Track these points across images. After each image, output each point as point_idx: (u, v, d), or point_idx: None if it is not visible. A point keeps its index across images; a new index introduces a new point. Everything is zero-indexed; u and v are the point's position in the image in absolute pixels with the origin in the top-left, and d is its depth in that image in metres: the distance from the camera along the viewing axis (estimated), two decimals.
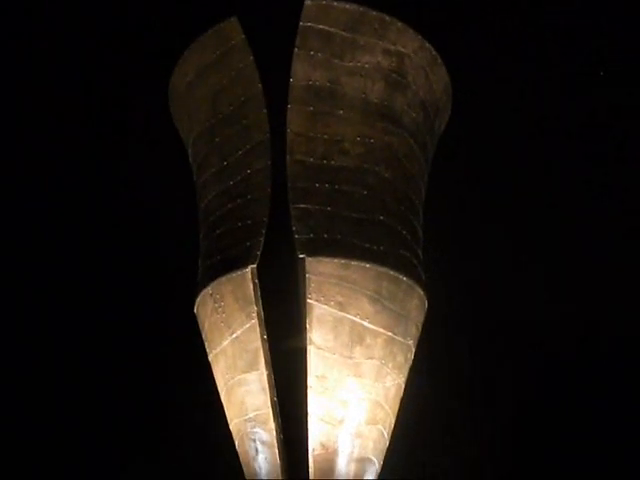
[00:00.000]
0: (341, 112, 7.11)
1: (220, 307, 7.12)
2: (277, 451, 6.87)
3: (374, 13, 7.17)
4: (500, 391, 10.52)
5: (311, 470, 6.73)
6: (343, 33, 7.10)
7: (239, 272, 6.87)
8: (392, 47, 7.27)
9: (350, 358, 6.78)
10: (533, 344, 10.56)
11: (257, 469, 7.01)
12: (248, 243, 6.93)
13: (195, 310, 7.56)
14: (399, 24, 7.28)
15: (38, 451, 10.01)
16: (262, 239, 6.85)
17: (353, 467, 6.86)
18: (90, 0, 9.95)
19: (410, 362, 7.44)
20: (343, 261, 6.74)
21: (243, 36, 7.27)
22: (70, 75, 10.37)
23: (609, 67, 10.32)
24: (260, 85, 7.20)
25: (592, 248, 10.62)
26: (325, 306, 6.71)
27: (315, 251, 6.71)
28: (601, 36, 10.15)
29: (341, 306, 6.74)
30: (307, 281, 6.68)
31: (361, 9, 7.13)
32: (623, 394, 10.38)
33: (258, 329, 6.85)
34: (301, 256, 6.70)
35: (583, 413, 10.30)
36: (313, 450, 6.74)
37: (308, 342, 6.71)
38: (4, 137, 10.47)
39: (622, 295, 10.54)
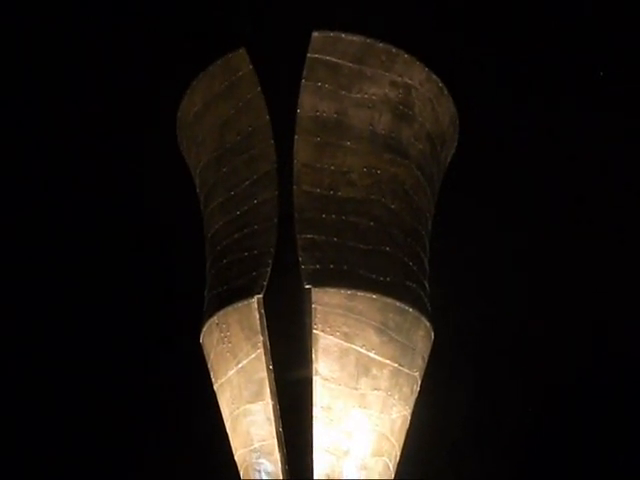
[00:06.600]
0: (348, 143, 7.14)
1: (226, 337, 7.11)
2: None
3: (381, 45, 7.22)
4: (506, 422, 10.45)
5: None
6: (350, 65, 7.15)
7: (245, 302, 6.87)
8: (399, 79, 7.31)
9: (356, 389, 6.76)
10: (541, 375, 10.49)
11: None
12: (254, 273, 6.94)
13: (201, 340, 7.55)
14: (406, 56, 7.32)
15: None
16: (268, 269, 6.87)
17: None
18: (101, 29, 10.05)
19: (416, 394, 7.41)
20: (349, 292, 6.74)
21: (251, 67, 7.33)
22: (79, 103, 10.44)
23: (622, 88, 10.27)
24: (267, 116, 7.25)
25: (606, 275, 10.55)
26: (331, 337, 6.70)
27: (321, 282, 6.71)
28: (615, 59, 10.16)
29: (347, 337, 6.73)
30: (313, 311, 6.68)
31: (368, 41, 7.18)
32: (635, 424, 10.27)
33: (264, 359, 6.84)
34: (307, 286, 6.70)
35: (594, 443, 10.21)
36: None
37: (314, 373, 6.69)
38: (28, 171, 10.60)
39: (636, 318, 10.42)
